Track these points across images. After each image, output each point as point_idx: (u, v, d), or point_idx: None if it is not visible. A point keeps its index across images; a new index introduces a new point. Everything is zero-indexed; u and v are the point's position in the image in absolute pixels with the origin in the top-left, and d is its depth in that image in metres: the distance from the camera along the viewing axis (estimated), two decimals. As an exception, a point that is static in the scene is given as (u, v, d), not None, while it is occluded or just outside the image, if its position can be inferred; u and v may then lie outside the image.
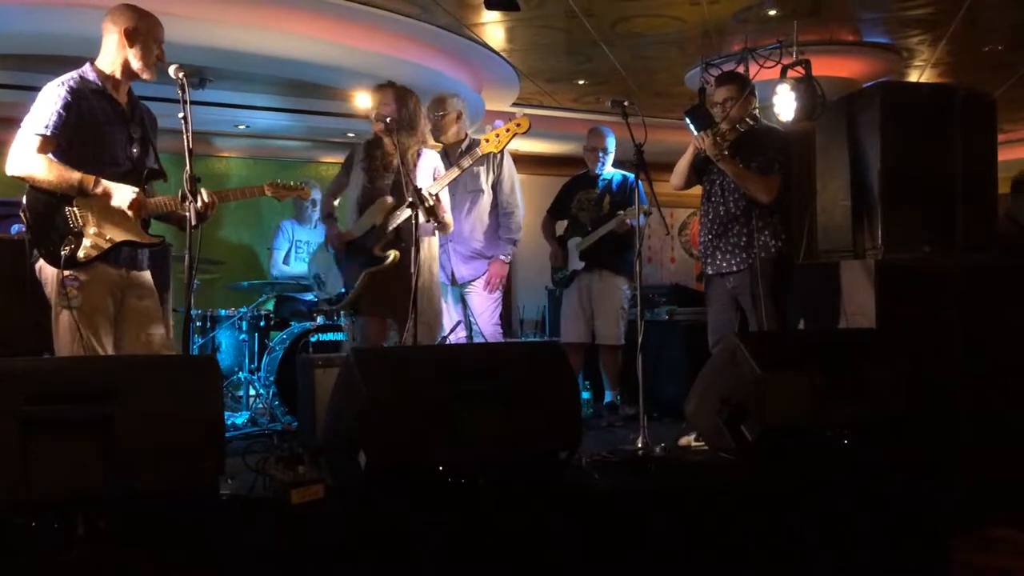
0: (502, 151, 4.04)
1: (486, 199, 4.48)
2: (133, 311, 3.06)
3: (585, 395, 4.75)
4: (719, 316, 4.05)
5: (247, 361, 4.97)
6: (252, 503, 2.47)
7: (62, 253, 2.85)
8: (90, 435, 2.12)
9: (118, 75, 3.04)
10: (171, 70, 2.80)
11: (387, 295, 3.73)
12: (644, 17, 5.80)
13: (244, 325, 5.07)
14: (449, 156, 4.34)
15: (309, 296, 5.61)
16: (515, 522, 2.52)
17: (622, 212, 4.61)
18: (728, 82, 4.06)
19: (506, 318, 6.84)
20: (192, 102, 2.76)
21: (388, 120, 3.70)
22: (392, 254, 3.70)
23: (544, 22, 5.90)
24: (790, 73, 4.57)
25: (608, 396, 4.79)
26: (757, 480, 2.92)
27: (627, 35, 6.17)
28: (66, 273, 2.85)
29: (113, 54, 3.02)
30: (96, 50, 3.07)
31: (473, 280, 4.48)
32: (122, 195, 2.94)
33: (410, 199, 3.49)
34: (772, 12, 5.68)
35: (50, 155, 2.87)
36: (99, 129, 2.98)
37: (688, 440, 3.46)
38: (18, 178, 2.89)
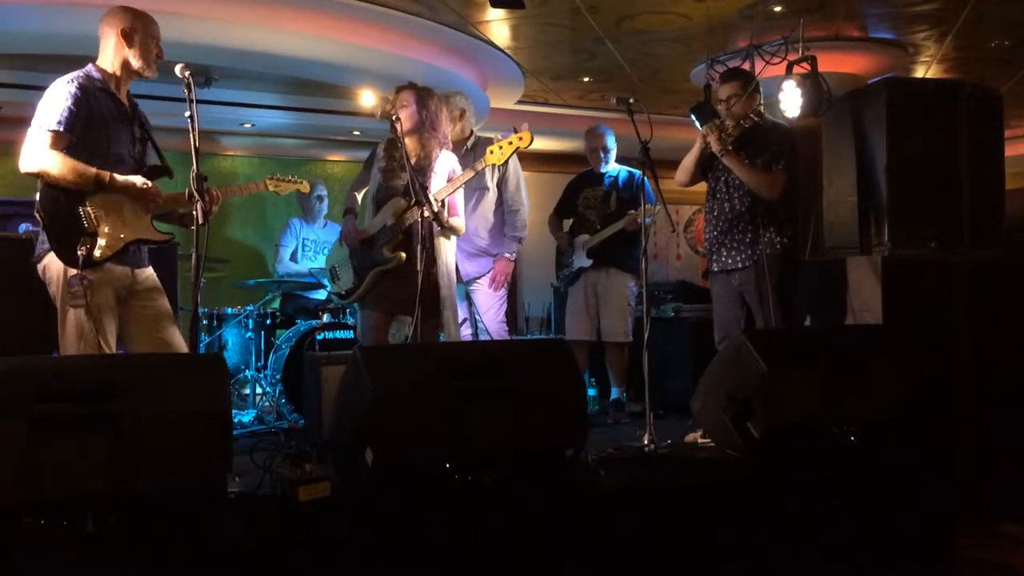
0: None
1: (491, 196, 4.48)
2: (145, 311, 3.06)
3: (591, 392, 4.74)
4: (725, 313, 4.04)
5: (254, 359, 4.99)
6: (260, 500, 2.47)
7: (79, 253, 2.84)
8: (98, 433, 2.12)
9: (119, 74, 3.05)
10: (177, 69, 2.81)
11: (395, 295, 3.73)
12: (649, 14, 5.80)
13: (251, 323, 5.09)
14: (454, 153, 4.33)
15: (315, 294, 5.63)
16: (521, 519, 2.52)
17: (633, 212, 4.59)
18: (732, 79, 4.05)
19: (511, 315, 6.86)
20: (198, 101, 2.77)
21: (394, 119, 3.69)
22: (399, 255, 3.71)
23: (549, 19, 5.90)
24: (796, 69, 4.57)
25: (614, 393, 4.78)
26: (763, 477, 2.92)
27: (632, 32, 6.16)
28: (74, 272, 2.85)
29: (113, 55, 3.04)
30: (100, 50, 3.08)
31: (478, 277, 4.48)
32: (139, 187, 2.96)
33: (415, 200, 3.50)
34: (777, 8, 5.67)
35: (63, 151, 2.87)
36: (107, 127, 2.99)
37: (694, 437, 3.45)
38: (32, 175, 2.88)
